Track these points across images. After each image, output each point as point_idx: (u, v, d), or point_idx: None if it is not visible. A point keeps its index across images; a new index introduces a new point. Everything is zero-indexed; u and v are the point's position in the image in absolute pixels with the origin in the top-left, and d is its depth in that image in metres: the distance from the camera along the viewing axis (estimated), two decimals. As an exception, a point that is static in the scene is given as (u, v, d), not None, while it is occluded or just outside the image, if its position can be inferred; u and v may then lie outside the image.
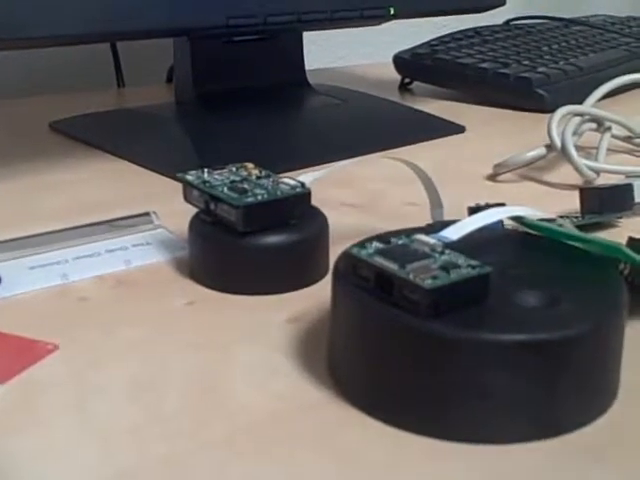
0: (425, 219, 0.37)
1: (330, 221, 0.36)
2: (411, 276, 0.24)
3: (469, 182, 0.49)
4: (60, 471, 0.23)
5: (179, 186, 0.36)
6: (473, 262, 0.25)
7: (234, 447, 0.24)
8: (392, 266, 0.24)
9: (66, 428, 0.24)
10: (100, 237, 0.38)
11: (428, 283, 0.23)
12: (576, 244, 0.29)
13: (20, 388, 0.27)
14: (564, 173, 0.50)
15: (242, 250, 0.33)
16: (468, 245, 0.26)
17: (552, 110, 0.52)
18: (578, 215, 0.41)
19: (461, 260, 0.25)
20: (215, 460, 0.23)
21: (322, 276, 0.35)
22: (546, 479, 0.23)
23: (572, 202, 0.42)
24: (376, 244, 0.26)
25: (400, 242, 0.26)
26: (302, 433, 0.25)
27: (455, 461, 0.23)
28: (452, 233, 0.27)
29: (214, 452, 0.24)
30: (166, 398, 0.26)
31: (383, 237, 0.27)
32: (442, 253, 0.26)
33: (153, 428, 0.25)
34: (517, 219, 0.30)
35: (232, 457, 0.23)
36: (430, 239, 0.26)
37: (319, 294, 0.33)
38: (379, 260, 0.25)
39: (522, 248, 0.30)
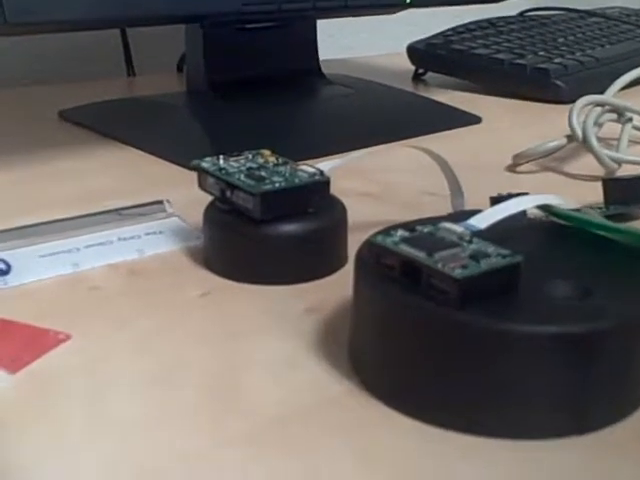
0: (444, 209, 0.36)
1: (348, 211, 0.35)
2: (440, 265, 0.23)
3: (488, 172, 0.48)
4: (73, 464, 0.22)
5: (191, 175, 0.35)
6: (503, 251, 0.24)
7: (254, 442, 0.23)
8: (419, 254, 0.23)
9: (79, 420, 0.24)
10: (112, 225, 0.37)
11: (458, 272, 0.22)
12: (607, 234, 0.28)
13: (32, 378, 0.26)
14: (584, 164, 0.49)
15: (259, 239, 0.32)
16: (495, 234, 0.25)
17: (569, 101, 0.51)
18: (601, 206, 0.40)
19: (491, 249, 0.24)
20: (235, 456, 0.22)
21: (340, 266, 0.34)
22: (577, 475, 0.22)
23: (594, 193, 0.41)
24: (401, 232, 0.25)
25: (426, 230, 0.25)
26: (324, 427, 0.24)
27: (482, 457, 0.22)
28: (479, 221, 0.26)
29: (233, 448, 0.23)
30: (182, 392, 0.25)
31: (408, 225, 0.26)
32: (470, 242, 0.25)
33: (169, 422, 0.24)
34: (545, 208, 0.29)
35: (252, 453, 0.22)
36: (458, 227, 0.25)
37: (338, 284, 0.33)
38: (405, 248, 0.24)
39: (549, 237, 0.29)
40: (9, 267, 0.33)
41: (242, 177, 0.33)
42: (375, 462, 0.22)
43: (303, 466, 0.22)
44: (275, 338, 0.29)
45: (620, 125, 0.51)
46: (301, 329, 0.29)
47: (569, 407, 0.23)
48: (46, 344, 0.28)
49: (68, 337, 0.28)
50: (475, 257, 0.23)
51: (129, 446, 0.23)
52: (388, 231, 0.25)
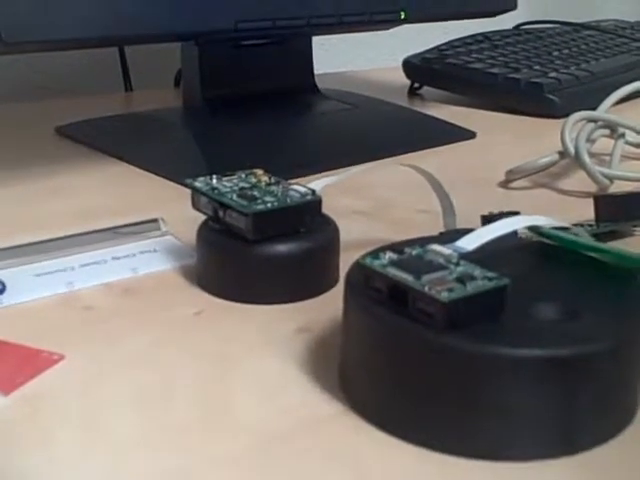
0: (437, 227, 0.36)
1: (340, 229, 0.35)
2: (426, 288, 0.23)
3: (481, 189, 0.49)
4: (65, 487, 0.22)
5: (186, 192, 0.35)
6: (490, 274, 0.24)
7: (243, 462, 0.23)
8: (407, 277, 0.24)
9: (72, 440, 0.24)
10: (106, 244, 0.38)
11: (444, 296, 0.22)
12: (594, 255, 0.28)
13: (25, 399, 0.26)
14: (577, 180, 0.50)
15: (251, 258, 0.32)
16: (483, 255, 0.26)
17: (563, 116, 0.52)
18: (592, 223, 0.40)
19: (477, 272, 0.24)
20: (224, 475, 0.23)
21: (332, 285, 0.34)
22: (565, 498, 0.22)
23: (585, 209, 0.42)
24: (390, 254, 0.25)
25: (414, 252, 0.26)
26: (312, 448, 0.24)
27: (468, 479, 0.23)
28: (467, 243, 0.26)
29: (223, 466, 0.23)
30: (174, 411, 0.26)
31: (396, 247, 0.26)
32: (457, 264, 0.25)
33: (161, 441, 0.24)
34: (533, 229, 0.29)
35: (241, 472, 0.23)
36: (445, 249, 0.26)
37: (329, 304, 0.33)
38: (393, 271, 0.24)
39: (538, 259, 0.29)
40: (4, 286, 0.33)
41: (234, 197, 0.33)
42: (363, 484, 0.22)
43: (292, 488, 0.22)
44: (266, 357, 0.29)
45: (613, 141, 0.52)
46: (292, 349, 0.29)
47: (555, 429, 0.23)
48: (40, 365, 0.28)
49: (62, 357, 0.29)
50: (461, 280, 0.23)
51: (121, 465, 0.23)
52: (377, 253, 0.26)
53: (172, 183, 0.48)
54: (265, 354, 0.29)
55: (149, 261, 0.37)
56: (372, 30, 0.67)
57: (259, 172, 0.36)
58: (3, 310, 0.32)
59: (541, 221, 0.30)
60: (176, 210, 0.41)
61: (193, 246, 0.35)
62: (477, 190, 0.48)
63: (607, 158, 0.51)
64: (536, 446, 0.23)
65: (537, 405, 0.23)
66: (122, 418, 0.25)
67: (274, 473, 0.23)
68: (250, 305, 0.33)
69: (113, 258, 0.37)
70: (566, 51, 0.82)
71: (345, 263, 0.29)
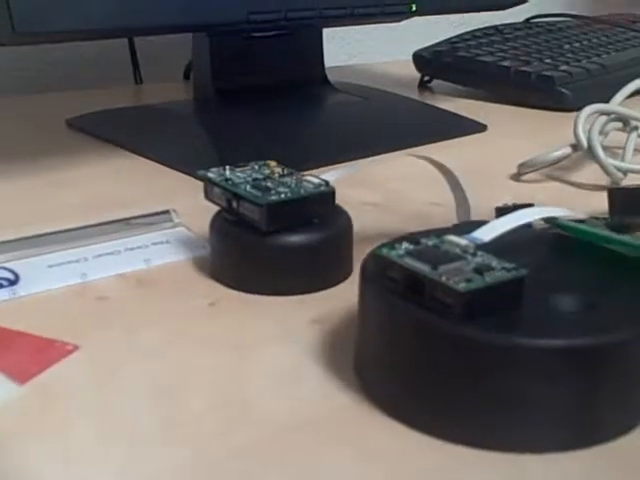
0: (449, 219, 0.36)
1: (352, 221, 0.35)
2: (444, 278, 0.23)
3: (493, 182, 0.49)
4: (80, 476, 0.22)
5: (197, 184, 0.35)
6: (507, 264, 0.24)
7: (260, 452, 0.23)
8: (423, 268, 0.23)
9: (87, 430, 0.24)
10: (119, 235, 0.38)
11: (462, 286, 0.22)
12: (611, 246, 0.28)
13: (39, 389, 0.26)
14: (589, 173, 0.49)
15: (265, 249, 0.32)
16: (499, 246, 0.25)
17: (574, 109, 0.51)
18: (606, 216, 0.40)
19: (495, 262, 0.24)
20: (240, 465, 0.23)
21: (346, 277, 0.34)
22: (583, 490, 0.22)
23: (598, 202, 0.41)
24: (406, 245, 0.25)
25: (431, 243, 0.26)
26: (328, 438, 0.24)
27: (486, 471, 0.22)
28: (484, 234, 0.26)
29: (240, 457, 0.23)
30: (189, 401, 0.25)
31: (413, 237, 0.26)
32: (474, 255, 0.25)
33: (177, 432, 0.24)
34: (550, 220, 0.29)
35: (258, 462, 0.23)
36: (462, 240, 0.25)
37: (343, 295, 0.33)
38: (410, 261, 0.24)
39: (554, 250, 0.29)
40: (17, 277, 0.34)
41: (248, 188, 0.33)
42: (377, 473, 0.22)
43: (307, 476, 0.22)
44: (281, 348, 0.29)
45: (626, 134, 0.51)
46: (307, 340, 0.29)
47: (574, 420, 0.23)
48: (54, 355, 0.28)
49: (76, 348, 0.29)
50: (479, 270, 0.23)
51: (136, 456, 0.23)
52: (393, 244, 0.26)
53: (183, 175, 0.48)
54: (280, 345, 0.29)
55: (162, 252, 0.36)
56: (383, 22, 0.67)
57: (272, 163, 0.36)
58: (17, 301, 0.32)
59: (556, 212, 0.29)
60: (187, 202, 0.41)
61: (205, 237, 0.35)
62: (489, 183, 0.48)
63: (619, 151, 0.51)
64: (555, 437, 0.23)
65: (556, 396, 0.22)
66: (136, 408, 0.25)
67: (290, 463, 0.23)
68: (264, 296, 0.33)
69: (126, 249, 0.36)
70: (577, 44, 0.81)
71: (358, 255, 0.29)
